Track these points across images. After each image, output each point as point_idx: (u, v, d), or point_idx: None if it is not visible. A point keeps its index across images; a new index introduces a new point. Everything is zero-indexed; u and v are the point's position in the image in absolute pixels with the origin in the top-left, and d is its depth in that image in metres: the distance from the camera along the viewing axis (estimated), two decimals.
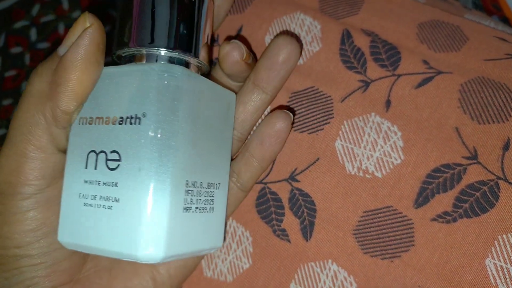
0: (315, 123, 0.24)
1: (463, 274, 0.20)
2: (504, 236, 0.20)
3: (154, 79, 0.18)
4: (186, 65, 0.21)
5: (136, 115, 0.18)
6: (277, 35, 0.26)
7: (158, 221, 0.18)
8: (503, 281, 0.20)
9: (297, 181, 0.24)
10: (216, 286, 0.25)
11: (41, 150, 0.19)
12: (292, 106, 0.25)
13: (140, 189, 0.17)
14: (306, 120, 0.24)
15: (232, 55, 0.22)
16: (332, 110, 0.24)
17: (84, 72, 0.18)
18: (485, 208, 0.20)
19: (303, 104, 0.25)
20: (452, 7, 0.26)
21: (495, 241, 0.20)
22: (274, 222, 0.24)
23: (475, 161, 0.21)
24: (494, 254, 0.20)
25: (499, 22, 0.26)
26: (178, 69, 0.19)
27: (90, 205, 0.19)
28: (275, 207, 0.24)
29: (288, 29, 0.26)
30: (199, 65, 0.22)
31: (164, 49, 0.20)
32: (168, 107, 0.18)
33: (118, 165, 0.18)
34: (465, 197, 0.21)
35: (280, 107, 0.25)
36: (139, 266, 0.23)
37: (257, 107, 0.24)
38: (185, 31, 0.20)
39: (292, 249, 0.24)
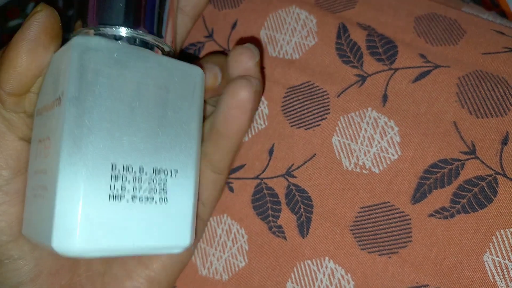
0: (311, 119, 0.24)
1: (461, 270, 0.20)
2: (502, 231, 0.20)
3: (70, 55, 0.17)
4: (133, 41, 0.19)
5: (59, 96, 0.17)
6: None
7: (71, 209, 0.16)
8: (501, 277, 0.19)
9: (293, 177, 0.24)
10: (211, 285, 0.25)
11: (2, 137, 0.19)
12: (288, 102, 0.25)
13: (54, 173, 0.16)
14: (303, 116, 0.24)
15: (243, 59, 0.20)
16: (328, 105, 0.24)
17: (27, 53, 0.18)
18: (483, 203, 0.20)
19: (299, 99, 0.24)
20: (450, 0, 0.26)
21: (493, 237, 0.20)
22: (270, 218, 0.24)
23: (473, 156, 0.21)
24: (492, 250, 0.20)
25: (497, 16, 0.26)
26: (95, 40, 0.17)
27: (35, 195, 0.18)
28: (272, 203, 0.24)
29: (284, 23, 0.26)
30: (153, 42, 0.20)
31: (102, 26, 0.18)
32: (83, 83, 0.16)
33: (48, 151, 0.17)
34: (463, 193, 0.21)
35: (274, 99, 0.25)
36: (131, 270, 0.23)
37: None
38: (124, 3, 0.19)
39: (288, 246, 0.23)
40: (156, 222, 0.18)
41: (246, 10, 0.27)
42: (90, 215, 0.16)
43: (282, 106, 0.25)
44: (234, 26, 0.27)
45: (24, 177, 0.20)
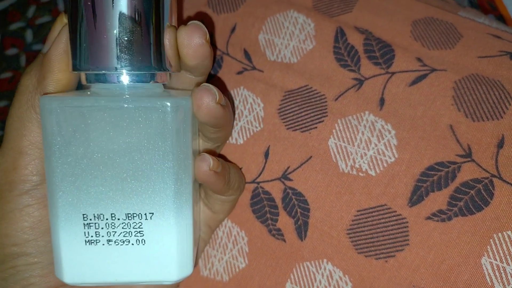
0: (308, 122, 0.24)
1: (458, 273, 0.20)
2: (500, 234, 0.20)
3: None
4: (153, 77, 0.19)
5: None
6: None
7: (57, 252, 0.19)
8: (499, 280, 0.19)
9: (290, 179, 0.24)
10: (212, 285, 0.25)
11: (34, 145, 0.20)
12: (285, 105, 0.25)
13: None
14: (299, 119, 0.24)
15: (203, 102, 0.19)
16: (326, 108, 0.24)
17: (67, 63, 0.19)
18: (480, 206, 0.20)
19: (296, 102, 0.24)
20: (447, 4, 0.26)
21: (491, 240, 0.20)
22: (269, 221, 0.24)
23: (469, 159, 0.21)
24: (490, 253, 0.20)
25: (494, 20, 0.26)
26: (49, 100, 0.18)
27: None
28: (269, 207, 0.24)
29: (282, 27, 0.26)
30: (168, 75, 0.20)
31: (130, 70, 0.18)
32: (45, 144, 0.19)
33: None
34: (460, 195, 0.21)
35: (271, 102, 0.25)
36: None
37: None
38: (153, 46, 0.18)
39: (288, 248, 0.23)
40: (135, 261, 0.19)
41: (244, 14, 0.27)
42: (70, 257, 0.19)
43: (279, 109, 0.25)
44: (233, 30, 0.27)
45: None
